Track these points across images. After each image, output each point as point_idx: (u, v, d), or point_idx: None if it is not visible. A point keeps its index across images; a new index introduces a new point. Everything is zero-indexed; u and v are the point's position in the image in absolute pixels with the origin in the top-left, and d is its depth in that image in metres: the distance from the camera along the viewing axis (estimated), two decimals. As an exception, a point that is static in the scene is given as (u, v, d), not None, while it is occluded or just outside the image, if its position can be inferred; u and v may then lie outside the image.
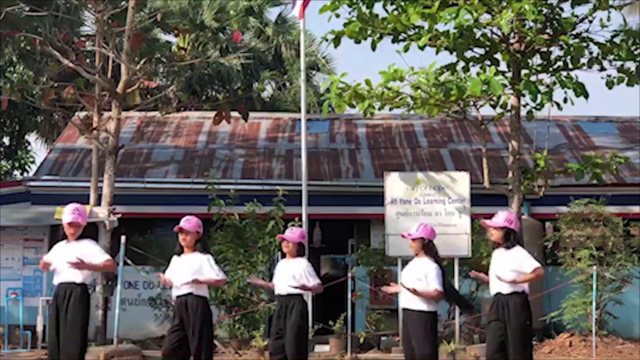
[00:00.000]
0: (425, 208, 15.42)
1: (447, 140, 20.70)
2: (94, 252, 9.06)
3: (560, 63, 15.10)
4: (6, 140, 29.35)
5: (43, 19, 19.77)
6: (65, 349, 8.82)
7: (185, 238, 9.30)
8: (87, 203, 15.78)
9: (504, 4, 13.98)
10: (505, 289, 9.07)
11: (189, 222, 9.37)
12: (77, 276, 8.95)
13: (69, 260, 8.79)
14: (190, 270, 9.21)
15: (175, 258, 9.44)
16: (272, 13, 31.13)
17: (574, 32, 14.88)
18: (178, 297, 9.25)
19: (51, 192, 17.40)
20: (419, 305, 9.09)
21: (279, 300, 10.04)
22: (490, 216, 17.23)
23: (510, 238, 9.27)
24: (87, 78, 15.95)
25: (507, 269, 9.07)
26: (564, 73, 14.64)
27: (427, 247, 9.23)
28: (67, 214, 9.02)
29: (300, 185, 15.97)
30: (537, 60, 15.25)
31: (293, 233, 10.10)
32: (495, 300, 9.16)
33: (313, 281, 9.91)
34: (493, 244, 9.62)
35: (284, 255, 10.30)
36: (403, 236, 9.41)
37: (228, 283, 15.51)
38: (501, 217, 9.44)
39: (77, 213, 9.04)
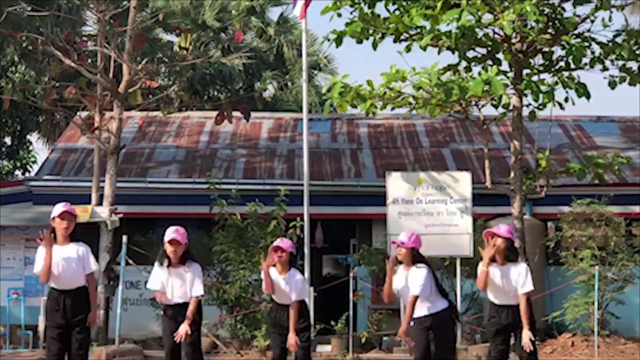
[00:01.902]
0: (427, 208, 15.41)
1: (449, 140, 20.69)
2: (90, 259, 9.01)
3: (562, 63, 15.10)
4: (8, 140, 29.36)
5: (45, 19, 19.82)
6: (77, 355, 8.87)
7: (175, 250, 8.98)
8: (89, 203, 15.78)
9: (506, 4, 13.98)
10: (515, 303, 9.02)
11: (179, 233, 9.01)
12: (81, 280, 8.89)
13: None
14: (187, 286, 9.07)
15: (162, 271, 9.08)
16: (273, 13, 31.17)
17: (575, 32, 14.88)
18: (178, 305, 9.11)
19: (53, 192, 17.36)
20: (417, 312, 9.14)
21: (281, 309, 9.81)
22: (491, 216, 17.29)
23: (514, 251, 9.16)
24: (88, 78, 15.95)
25: (520, 286, 9.00)
26: (566, 73, 14.63)
27: (417, 256, 9.17)
28: (59, 206, 8.85)
29: (302, 185, 15.97)
30: (539, 60, 15.25)
31: (285, 243, 9.88)
32: (505, 312, 9.05)
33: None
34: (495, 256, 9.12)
35: None
36: (394, 242, 9.18)
37: (229, 283, 15.53)
38: (503, 229, 9.07)
39: (69, 206, 8.98)
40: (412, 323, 9.01)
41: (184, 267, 9.09)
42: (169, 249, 9.01)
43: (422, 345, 9.06)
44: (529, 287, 8.92)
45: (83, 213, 14.56)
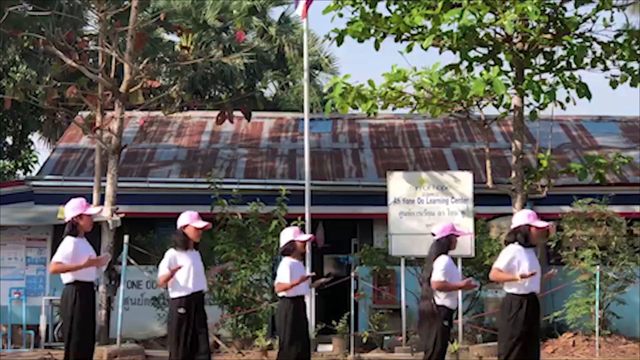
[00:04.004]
0: (428, 208, 15.43)
1: (450, 140, 20.69)
2: None
3: (563, 63, 15.13)
4: (9, 139, 29.35)
5: (46, 19, 19.82)
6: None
7: (200, 233, 9.18)
8: (91, 203, 15.78)
9: (508, 4, 13.99)
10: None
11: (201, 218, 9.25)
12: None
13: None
14: (202, 267, 9.18)
15: (180, 254, 9.01)
16: (275, 12, 31.11)
17: (577, 32, 14.91)
18: (197, 293, 9.02)
19: (54, 192, 17.39)
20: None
21: (301, 301, 9.92)
22: (492, 216, 17.29)
23: None
24: (90, 78, 15.96)
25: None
26: (567, 73, 14.66)
27: None
28: (86, 206, 8.92)
29: (303, 184, 15.97)
30: (540, 60, 15.27)
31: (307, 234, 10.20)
32: (528, 300, 8.86)
33: None
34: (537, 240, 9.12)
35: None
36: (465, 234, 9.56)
37: (231, 283, 15.53)
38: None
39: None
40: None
41: (195, 250, 9.20)
42: (196, 234, 9.11)
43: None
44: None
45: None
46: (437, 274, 9.12)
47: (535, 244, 9.11)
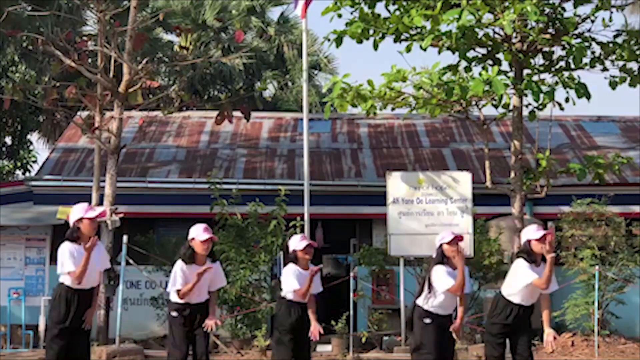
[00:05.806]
0: (427, 208, 15.42)
1: (449, 140, 20.70)
2: (107, 256, 9.08)
3: (562, 63, 15.12)
4: (8, 139, 29.33)
5: (45, 19, 19.83)
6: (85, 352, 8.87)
7: (208, 248, 9.06)
8: (90, 203, 15.77)
9: (507, 4, 13.99)
10: (533, 303, 9.08)
11: (210, 231, 9.12)
12: (98, 278, 8.92)
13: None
14: (208, 283, 9.12)
15: (187, 266, 8.98)
16: (274, 13, 31.13)
17: (576, 32, 14.91)
18: (199, 303, 9.06)
19: (53, 192, 17.39)
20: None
21: (302, 308, 9.82)
22: (491, 216, 17.29)
23: None
24: (89, 78, 15.95)
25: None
26: (566, 73, 14.66)
27: None
28: (88, 210, 8.77)
29: (303, 185, 15.96)
30: (539, 60, 15.28)
31: (309, 239, 10.05)
32: (517, 310, 9.02)
33: None
34: (536, 257, 9.00)
35: (286, 256, 10.15)
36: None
37: (230, 283, 15.53)
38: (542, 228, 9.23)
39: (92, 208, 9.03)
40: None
41: (207, 263, 9.09)
42: (201, 247, 9.01)
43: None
44: (556, 285, 9.09)
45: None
46: (436, 285, 9.13)
47: (538, 257, 8.95)
